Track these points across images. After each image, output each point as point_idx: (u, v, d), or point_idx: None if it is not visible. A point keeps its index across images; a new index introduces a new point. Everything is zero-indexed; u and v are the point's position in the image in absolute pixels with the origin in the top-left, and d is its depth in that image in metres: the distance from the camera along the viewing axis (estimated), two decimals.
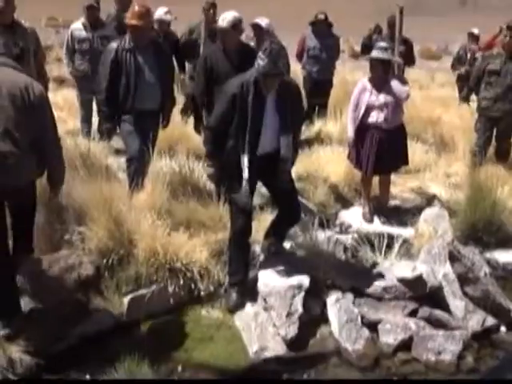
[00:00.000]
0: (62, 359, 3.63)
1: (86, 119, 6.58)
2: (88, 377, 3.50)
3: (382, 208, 5.49)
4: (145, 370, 3.38)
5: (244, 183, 4.03)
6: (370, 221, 5.36)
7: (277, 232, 4.53)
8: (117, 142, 5.71)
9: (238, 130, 4.01)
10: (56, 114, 7.62)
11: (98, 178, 4.54)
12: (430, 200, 5.69)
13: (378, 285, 4.37)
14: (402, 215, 5.51)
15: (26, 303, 3.73)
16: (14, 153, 3.40)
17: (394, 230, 5.18)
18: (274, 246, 4.53)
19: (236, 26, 4.88)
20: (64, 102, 8.27)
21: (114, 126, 5.01)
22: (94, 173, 4.78)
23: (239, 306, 4.19)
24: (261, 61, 3.92)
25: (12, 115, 3.40)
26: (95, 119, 6.44)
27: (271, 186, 4.39)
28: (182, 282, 4.18)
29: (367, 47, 7.92)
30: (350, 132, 5.27)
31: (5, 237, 3.60)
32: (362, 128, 5.20)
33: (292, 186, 4.39)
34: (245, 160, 4.02)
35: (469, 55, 9.33)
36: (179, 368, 3.62)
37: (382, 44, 5.29)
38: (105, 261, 4.13)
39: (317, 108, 7.81)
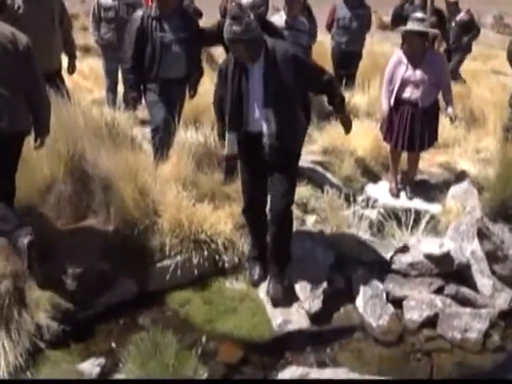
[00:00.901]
0: (88, 327, 3.69)
1: (112, 88, 6.55)
2: (114, 345, 3.54)
3: (409, 183, 5.40)
4: (168, 339, 3.39)
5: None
6: (397, 196, 5.30)
7: None
8: (142, 111, 5.69)
9: (225, 105, 3.80)
10: (81, 83, 7.69)
11: (123, 148, 4.54)
12: (459, 176, 5.58)
13: (403, 261, 4.32)
14: (430, 190, 5.44)
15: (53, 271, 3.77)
16: (8, 100, 3.45)
17: (421, 206, 5.12)
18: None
19: (254, 6, 4.73)
20: (90, 71, 8.25)
21: (139, 95, 4.96)
22: (119, 142, 4.77)
23: (262, 279, 4.17)
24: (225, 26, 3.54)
25: (2, 65, 3.44)
26: (121, 88, 6.41)
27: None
28: (206, 253, 4.17)
29: (399, 17, 7.71)
30: (385, 106, 5.14)
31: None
32: (396, 102, 5.06)
33: (287, 167, 3.83)
34: (225, 136, 3.85)
35: (453, 24, 8.68)
36: (203, 339, 3.64)
37: (418, 15, 5.03)
38: (130, 231, 4.14)
39: (344, 79, 7.68)
